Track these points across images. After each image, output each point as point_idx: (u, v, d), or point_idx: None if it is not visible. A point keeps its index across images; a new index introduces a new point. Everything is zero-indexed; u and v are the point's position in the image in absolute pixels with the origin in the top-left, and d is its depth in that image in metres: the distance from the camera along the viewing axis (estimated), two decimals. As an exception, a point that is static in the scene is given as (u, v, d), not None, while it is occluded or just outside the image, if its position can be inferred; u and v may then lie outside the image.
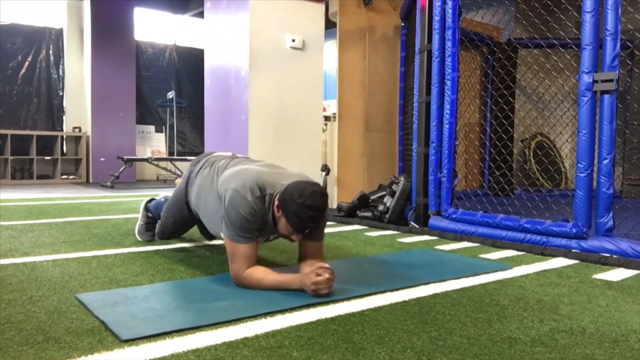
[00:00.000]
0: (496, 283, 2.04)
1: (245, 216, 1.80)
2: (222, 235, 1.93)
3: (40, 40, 8.38)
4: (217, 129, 4.48)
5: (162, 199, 2.70)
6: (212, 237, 2.72)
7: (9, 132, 7.69)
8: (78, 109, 8.59)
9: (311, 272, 1.73)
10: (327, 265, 1.77)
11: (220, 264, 2.30)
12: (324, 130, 4.93)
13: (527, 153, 6.14)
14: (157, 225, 2.70)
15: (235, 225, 1.81)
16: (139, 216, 2.87)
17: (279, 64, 4.19)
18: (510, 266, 2.35)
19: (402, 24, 4.91)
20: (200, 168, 2.26)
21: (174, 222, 2.46)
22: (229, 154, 2.38)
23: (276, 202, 1.82)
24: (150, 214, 2.79)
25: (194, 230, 3.21)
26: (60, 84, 8.58)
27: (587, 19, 2.60)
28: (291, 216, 1.75)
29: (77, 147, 8.43)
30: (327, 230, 3.39)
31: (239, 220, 1.80)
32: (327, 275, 1.73)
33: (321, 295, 1.73)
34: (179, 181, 8.11)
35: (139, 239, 2.83)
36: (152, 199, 2.81)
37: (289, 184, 1.82)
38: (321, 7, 4.45)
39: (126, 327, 1.42)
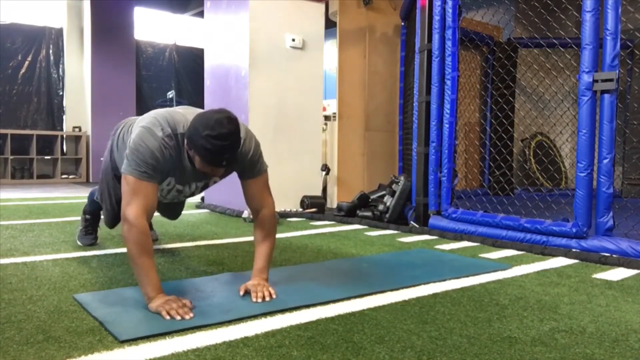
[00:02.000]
0: (496, 282, 2.04)
1: (153, 150, 1.62)
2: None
3: (40, 40, 8.38)
4: (217, 128, 4.47)
5: (94, 189, 2.54)
6: (173, 217, 2.58)
7: (9, 131, 7.70)
8: (78, 109, 8.59)
9: (168, 301, 1.54)
10: (181, 309, 1.51)
11: (219, 264, 2.30)
12: (324, 130, 4.93)
13: (527, 152, 6.14)
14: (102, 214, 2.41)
15: (139, 157, 1.62)
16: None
17: (279, 63, 4.19)
18: (509, 266, 2.35)
19: (402, 24, 4.91)
20: (119, 134, 2.10)
21: (108, 196, 2.23)
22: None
23: (186, 141, 1.66)
24: (88, 216, 2.65)
25: (194, 230, 3.22)
26: (60, 84, 8.58)
27: (587, 18, 2.60)
28: (202, 152, 1.58)
29: (77, 147, 8.43)
30: (327, 230, 3.40)
31: (145, 153, 1.62)
32: (180, 311, 1.51)
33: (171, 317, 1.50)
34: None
35: (80, 243, 2.67)
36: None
37: (193, 118, 1.64)
38: (321, 6, 4.45)
39: (124, 327, 1.42)
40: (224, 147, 1.58)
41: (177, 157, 1.71)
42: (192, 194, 2.02)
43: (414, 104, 3.69)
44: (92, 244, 2.67)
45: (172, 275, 2.08)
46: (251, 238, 2.99)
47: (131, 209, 1.59)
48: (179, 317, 1.49)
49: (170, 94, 9.13)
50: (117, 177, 2.11)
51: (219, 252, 2.56)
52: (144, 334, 1.37)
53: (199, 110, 1.79)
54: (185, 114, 1.75)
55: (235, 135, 1.61)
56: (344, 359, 1.25)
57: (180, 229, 3.31)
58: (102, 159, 2.31)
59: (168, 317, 1.49)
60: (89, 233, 2.68)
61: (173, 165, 1.73)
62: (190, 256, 2.46)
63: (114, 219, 2.25)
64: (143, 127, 1.68)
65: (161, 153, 1.65)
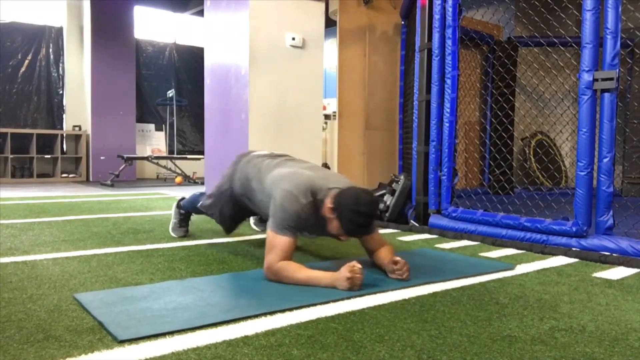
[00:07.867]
0: (496, 281, 2.04)
1: (294, 214, 1.94)
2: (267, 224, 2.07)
3: (40, 39, 8.37)
4: (217, 127, 4.47)
5: (197, 194, 2.86)
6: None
7: (9, 130, 7.69)
8: (78, 108, 8.59)
9: (344, 268, 1.82)
10: (358, 265, 1.85)
11: (219, 263, 2.30)
12: (324, 129, 4.93)
13: (527, 151, 6.14)
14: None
15: (284, 219, 1.95)
16: (171, 214, 3.10)
17: (279, 62, 4.19)
18: (512, 266, 2.34)
19: (402, 23, 4.91)
20: (242, 167, 2.41)
21: (220, 213, 2.56)
22: (265, 152, 2.50)
23: (330, 205, 1.96)
24: (182, 211, 2.98)
25: (196, 230, 3.21)
26: (60, 83, 8.57)
27: (588, 17, 2.59)
28: (345, 221, 1.92)
29: (77, 146, 8.43)
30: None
31: (288, 216, 1.94)
32: (359, 266, 1.83)
33: (354, 288, 1.81)
34: (179, 179, 8.02)
35: (174, 235, 3.00)
36: (182, 198, 2.99)
37: (344, 189, 1.98)
38: (321, 5, 4.45)
39: (123, 327, 1.42)
40: (365, 224, 1.94)
41: (313, 218, 2.03)
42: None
43: (414, 103, 3.69)
44: (184, 235, 3.00)
45: (173, 274, 2.08)
46: (251, 237, 2.99)
47: (273, 257, 1.94)
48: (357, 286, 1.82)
49: (171, 92, 9.13)
50: (233, 200, 2.47)
51: (219, 252, 2.56)
52: (143, 334, 1.37)
53: (332, 176, 2.16)
54: (322, 178, 2.09)
55: (376, 216, 1.99)
56: (344, 357, 1.25)
57: (180, 228, 3.31)
58: (219, 181, 2.59)
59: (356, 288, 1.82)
60: (182, 226, 3.01)
61: (308, 225, 2.07)
62: (191, 255, 2.46)
63: (229, 229, 2.63)
64: (288, 191, 1.99)
65: (299, 216, 1.97)
